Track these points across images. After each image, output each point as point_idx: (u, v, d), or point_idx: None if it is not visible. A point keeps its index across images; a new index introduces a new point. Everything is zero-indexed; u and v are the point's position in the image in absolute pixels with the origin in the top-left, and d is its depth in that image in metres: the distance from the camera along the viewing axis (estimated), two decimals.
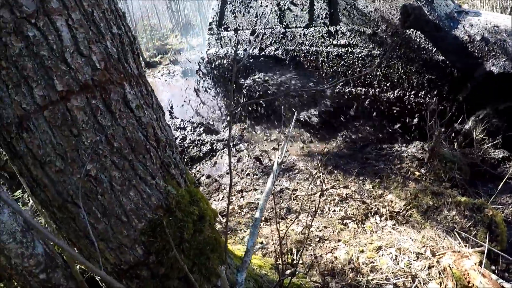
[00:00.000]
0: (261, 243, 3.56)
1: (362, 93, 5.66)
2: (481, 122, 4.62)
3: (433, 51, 4.82)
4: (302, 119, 6.11)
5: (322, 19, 5.68)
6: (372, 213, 3.88)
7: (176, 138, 6.64)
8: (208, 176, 5.35)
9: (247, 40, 6.63)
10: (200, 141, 6.41)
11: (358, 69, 5.51)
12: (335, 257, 3.25)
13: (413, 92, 5.16)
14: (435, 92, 4.96)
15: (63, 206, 1.62)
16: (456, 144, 4.79)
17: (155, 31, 20.63)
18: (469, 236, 3.34)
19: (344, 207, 3.98)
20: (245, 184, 4.76)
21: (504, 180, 3.83)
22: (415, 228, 3.55)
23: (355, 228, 3.66)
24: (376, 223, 3.75)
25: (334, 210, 3.95)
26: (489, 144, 4.57)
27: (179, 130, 7.06)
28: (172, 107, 7.88)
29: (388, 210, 3.85)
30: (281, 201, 4.27)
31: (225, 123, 7.13)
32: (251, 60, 6.58)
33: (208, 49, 7.29)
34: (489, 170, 4.37)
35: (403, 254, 3.18)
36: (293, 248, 3.39)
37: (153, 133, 1.79)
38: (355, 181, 4.38)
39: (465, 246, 3.25)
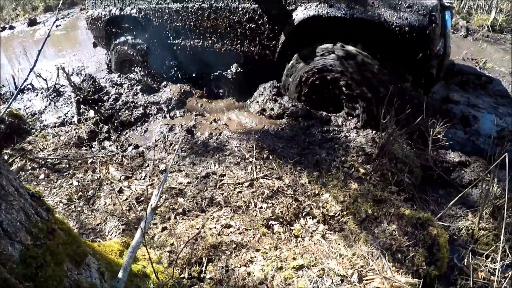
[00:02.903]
0: (172, 244, 3.05)
1: (199, 45, 5.92)
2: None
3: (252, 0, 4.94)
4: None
5: None
6: (304, 214, 3.38)
7: (109, 98, 6.03)
8: (136, 147, 4.78)
9: (112, 1, 6.72)
10: (133, 104, 5.80)
11: (192, 23, 5.73)
12: (248, 273, 2.75)
13: (238, 41, 5.40)
14: (257, 41, 5.17)
15: None
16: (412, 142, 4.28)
17: None
18: (406, 257, 2.88)
19: (273, 204, 3.45)
20: (170, 162, 4.20)
21: (460, 195, 3.36)
22: (348, 239, 3.07)
23: (280, 233, 3.15)
24: (307, 226, 3.26)
25: (261, 207, 3.42)
26: (443, 143, 4.08)
27: (115, 86, 6.42)
28: (110, 61, 7.30)
29: (322, 212, 3.35)
30: (205, 188, 3.72)
31: (164, 82, 6.54)
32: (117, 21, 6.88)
33: (87, 11, 7.37)
34: (442, 175, 3.88)
35: (326, 276, 2.71)
36: (204, 257, 2.87)
37: None
38: (291, 172, 3.85)
39: (400, 269, 2.80)
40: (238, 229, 3.16)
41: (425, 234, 3.05)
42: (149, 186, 3.88)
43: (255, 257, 2.90)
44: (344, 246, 3.00)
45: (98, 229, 3.39)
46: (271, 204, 3.45)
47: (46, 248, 1.70)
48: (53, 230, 1.82)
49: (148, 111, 5.65)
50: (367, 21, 4.12)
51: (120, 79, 6.66)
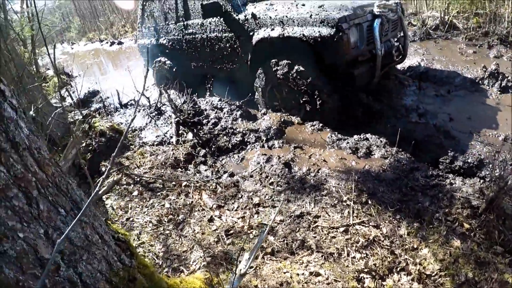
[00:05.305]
0: (256, 286, 2.99)
1: (205, 66, 8.03)
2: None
3: (229, 29, 6.91)
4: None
5: (181, 16, 8.13)
6: (398, 269, 3.19)
7: (208, 122, 6.13)
8: (231, 175, 4.79)
9: (152, 34, 9.33)
10: (232, 130, 5.85)
11: (198, 50, 7.89)
12: None
13: (225, 61, 7.37)
14: (232, 59, 7.18)
15: None
16: None
17: None
18: None
19: (367, 255, 3.30)
20: (265, 197, 4.15)
21: None
22: None
23: None
24: (400, 283, 3.07)
25: (354, 257, 3.28)
26: None
27: (215, 110, 6.58)
28: (211, 84, 7.86)
29: (419, 269, 3.14)
30: (297, 228, 3.64)
31: (263, 110, 6.68)
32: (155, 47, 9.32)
33: (137, 41, 10.30)
34: None
35: None
36: None
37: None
38: (390, 220, 3.66)
39: None
40: (327, 278, 3.05)
41: None
42: (240, 219, 3.86)
43: None
44: None
45: (184, 257, 3.40)
46: (365, 255, 3.30)
47: None
48: (134, 279, 1.82)
49: (246, 139, 5.68)
50: (294, 37, 5.67)
51: (221, 103, 6.81)
